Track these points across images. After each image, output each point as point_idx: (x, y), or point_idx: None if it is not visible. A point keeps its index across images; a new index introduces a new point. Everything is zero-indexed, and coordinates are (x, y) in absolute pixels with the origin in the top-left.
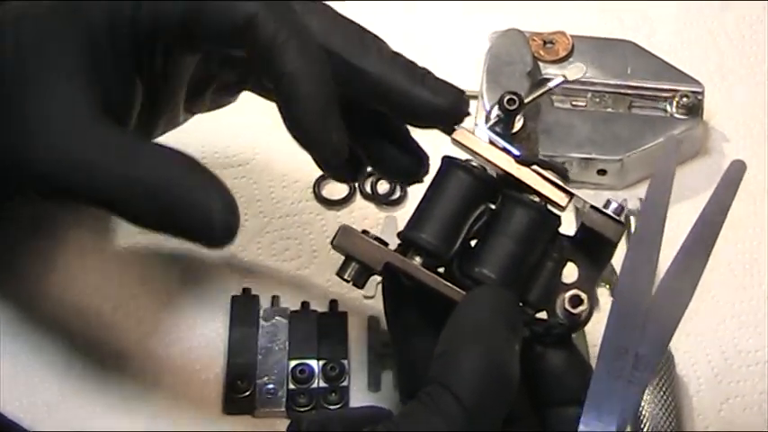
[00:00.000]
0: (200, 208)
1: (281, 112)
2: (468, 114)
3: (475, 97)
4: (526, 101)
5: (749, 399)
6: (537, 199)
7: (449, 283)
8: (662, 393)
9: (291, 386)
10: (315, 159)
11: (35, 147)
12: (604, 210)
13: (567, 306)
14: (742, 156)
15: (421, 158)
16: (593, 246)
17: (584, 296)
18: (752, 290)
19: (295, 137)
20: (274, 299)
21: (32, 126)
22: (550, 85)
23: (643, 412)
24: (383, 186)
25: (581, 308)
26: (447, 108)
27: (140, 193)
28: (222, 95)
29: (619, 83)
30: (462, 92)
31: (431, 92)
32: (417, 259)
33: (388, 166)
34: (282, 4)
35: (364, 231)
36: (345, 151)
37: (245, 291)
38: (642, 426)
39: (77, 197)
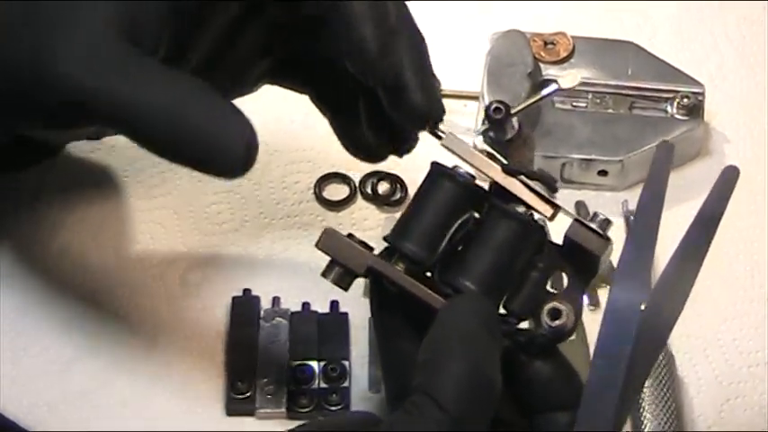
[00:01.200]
0: (218, 137)
1: (343, 37)
2: (427, 127)
3: (476, 98)
4: (516, 109)
5: (750, 399)
6: (523, 209)
7: (429, 291)
8: (663, 394)
9: (292, 387)
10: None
11: (53, 56)
12: (589, 224)
13: (546, 318)
14: (742, 156)
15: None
16: (579, 257)
17: (563, 309)
18: (752, 290)
19: (357, 59)
20: (275, 299)
21: (52, 35)
22: (543, 93)
23: (644, 413)
24: (383, 187)
25: (559, 321)
26: (421, 107)
27: (152, 117)
28: (237, 76)
29: (619, 84)
30: (440, 115)
31: (420, 84)
32: (400, 265)
33: (358, 137)
34: None
35: (349, 235)
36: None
37: (246, 291)
38: (643, 427)
39: (90, 113)
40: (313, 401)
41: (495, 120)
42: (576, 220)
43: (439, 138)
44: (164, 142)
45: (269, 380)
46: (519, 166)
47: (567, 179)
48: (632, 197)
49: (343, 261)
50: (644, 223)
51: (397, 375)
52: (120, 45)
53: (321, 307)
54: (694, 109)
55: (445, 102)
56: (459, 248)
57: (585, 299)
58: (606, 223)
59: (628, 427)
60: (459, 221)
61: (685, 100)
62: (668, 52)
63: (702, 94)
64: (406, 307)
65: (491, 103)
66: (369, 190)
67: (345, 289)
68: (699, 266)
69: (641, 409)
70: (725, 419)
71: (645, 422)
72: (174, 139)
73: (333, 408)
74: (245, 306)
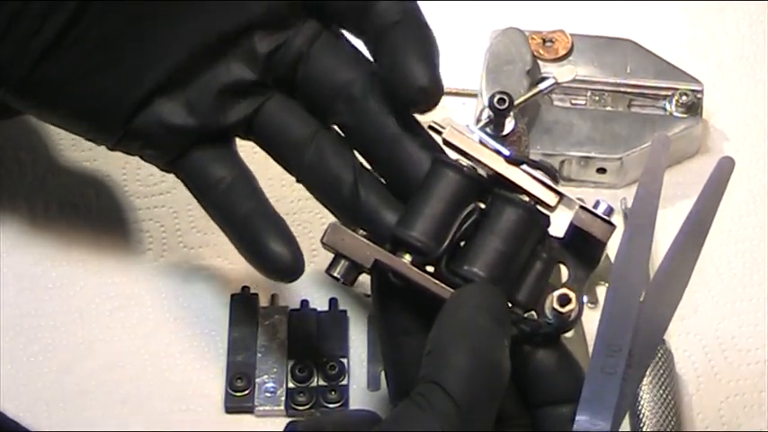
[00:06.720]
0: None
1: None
2: (427, 107)
3: (474, 96)
4: (516, 102)
5: (749, 397)
6: (526, 198)
7: (438, 281)
8: (661, 392)
9: (291, 385)
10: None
11: None
12: (593, 210)
13: (556, 305)
14: (741, 155)
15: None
16: (582, 246)
17: (572, 295)
18: (752, 289)
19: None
20: (274, 297)
21: None
22: (540, 87)
23: (642, 411)
24: None
25: (569, 307)
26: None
27: None
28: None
29: (618, 81)
30: (438, 91)
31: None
32: (407, 257)
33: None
34: None
35: (353, 229)
36: None
37: (245, 289)
38: (642, 425)
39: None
40: (312, 399)
41: (499, 110)
42: (581, 206)
43: (439, 132)
44: None
45: (268, 378)
46: (521, 156)
47: (565, 177)
48: (631, 195)
49: (348, 255)
50: (641, 217)
51: (402, 372)
52: None
53: (320, 305)
54: (693, 107)
55: (444, 99)
56: (465, 241)
57: (584, 297)
58: (610, 210)
59: (626, 425)
60: (465, 212)
61: (684, 98)
62: (667, 50)
63: (701, 91)
64: (411, 302)
65: (494, 94)
66: None
67: (351, 285)
68: (696, 258)
69: (640, 408)
70: (724, 418)
71: (644, 420)
72: None
73: (331, 405)
74: (243, 304)
